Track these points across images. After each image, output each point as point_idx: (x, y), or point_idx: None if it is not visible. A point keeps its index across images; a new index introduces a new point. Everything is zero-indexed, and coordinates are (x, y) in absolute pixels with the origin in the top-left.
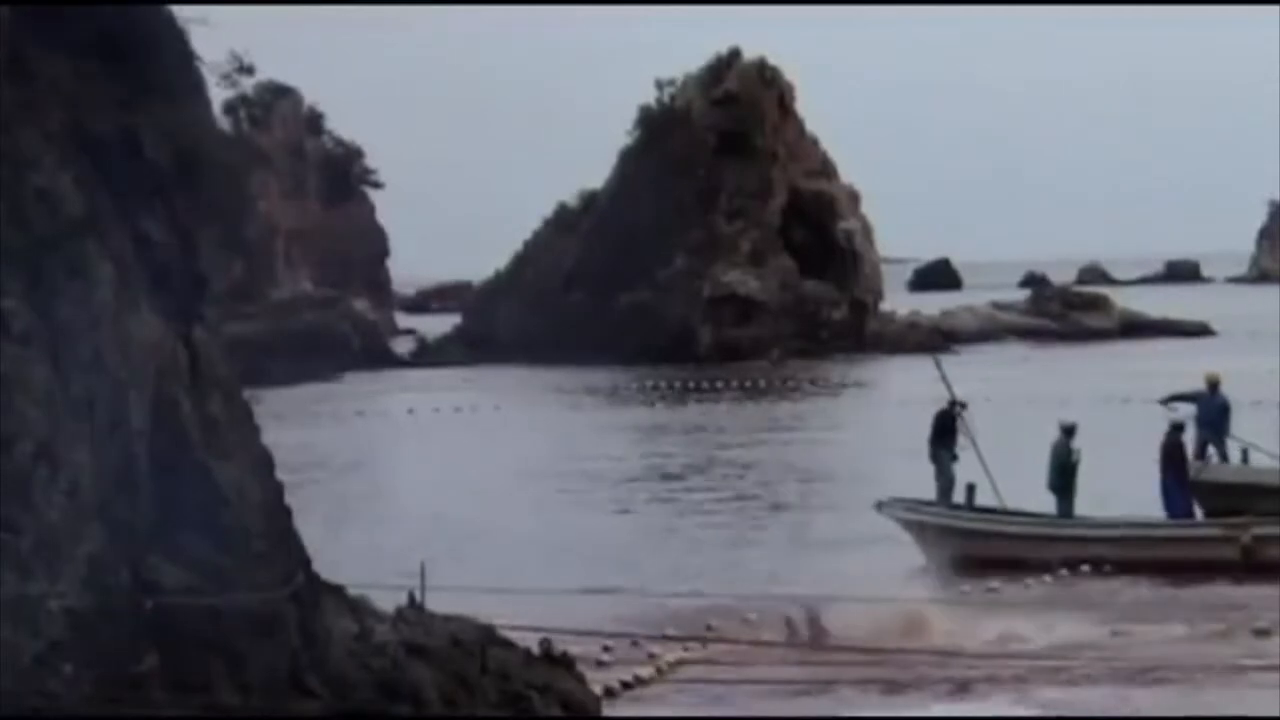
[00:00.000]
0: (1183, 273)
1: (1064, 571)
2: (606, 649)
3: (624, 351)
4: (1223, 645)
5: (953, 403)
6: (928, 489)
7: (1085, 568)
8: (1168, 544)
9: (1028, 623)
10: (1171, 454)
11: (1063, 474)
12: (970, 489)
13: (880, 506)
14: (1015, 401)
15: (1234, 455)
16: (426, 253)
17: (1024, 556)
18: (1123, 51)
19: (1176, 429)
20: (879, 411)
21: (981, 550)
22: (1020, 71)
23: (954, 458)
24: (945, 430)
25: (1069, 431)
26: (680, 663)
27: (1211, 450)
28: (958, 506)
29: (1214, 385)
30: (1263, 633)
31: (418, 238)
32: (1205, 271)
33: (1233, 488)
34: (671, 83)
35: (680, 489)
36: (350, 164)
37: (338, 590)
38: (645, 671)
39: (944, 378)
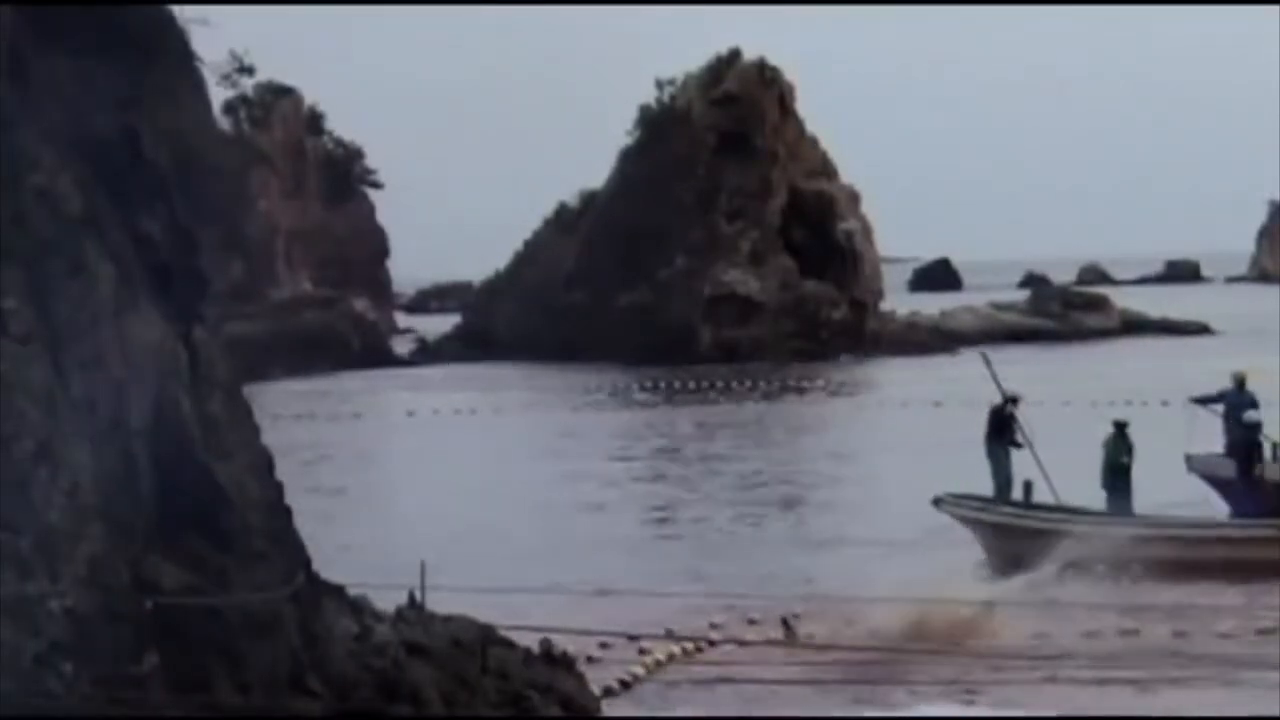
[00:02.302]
0: (1183, 273)
1: (1068, 571)
2: (604, 645)
3: (624, 351)
4: (1227, 645)
5: (1007, 398)
6: (931, 487)
7: (1101, 567)
8: (1223, 544)
9: (1030, 622)
10: (1240, 453)
11: (1115, 472)
12: (1027, 486)
13: (938, 503)
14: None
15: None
16: (426, 253)
17: (1080, 555)
18: (1124, 52)
19: (1250, 428)
20: (880, 411)
21: (1037, 547)
22: (1021, 72)
23: (1015, 447)
24: (1000, 427)
25: (1122, 428)
26: (674, 660)
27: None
28: (1015, 503)
29: (1241, 383)
30: (1266, 632)
31: (418, 238)
32: (1205, 271)
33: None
34: (671, 83)
35: (680, 489)
36: (350, 164)
37: (338, 590)
38: (638, 669)
39: (993, 375)
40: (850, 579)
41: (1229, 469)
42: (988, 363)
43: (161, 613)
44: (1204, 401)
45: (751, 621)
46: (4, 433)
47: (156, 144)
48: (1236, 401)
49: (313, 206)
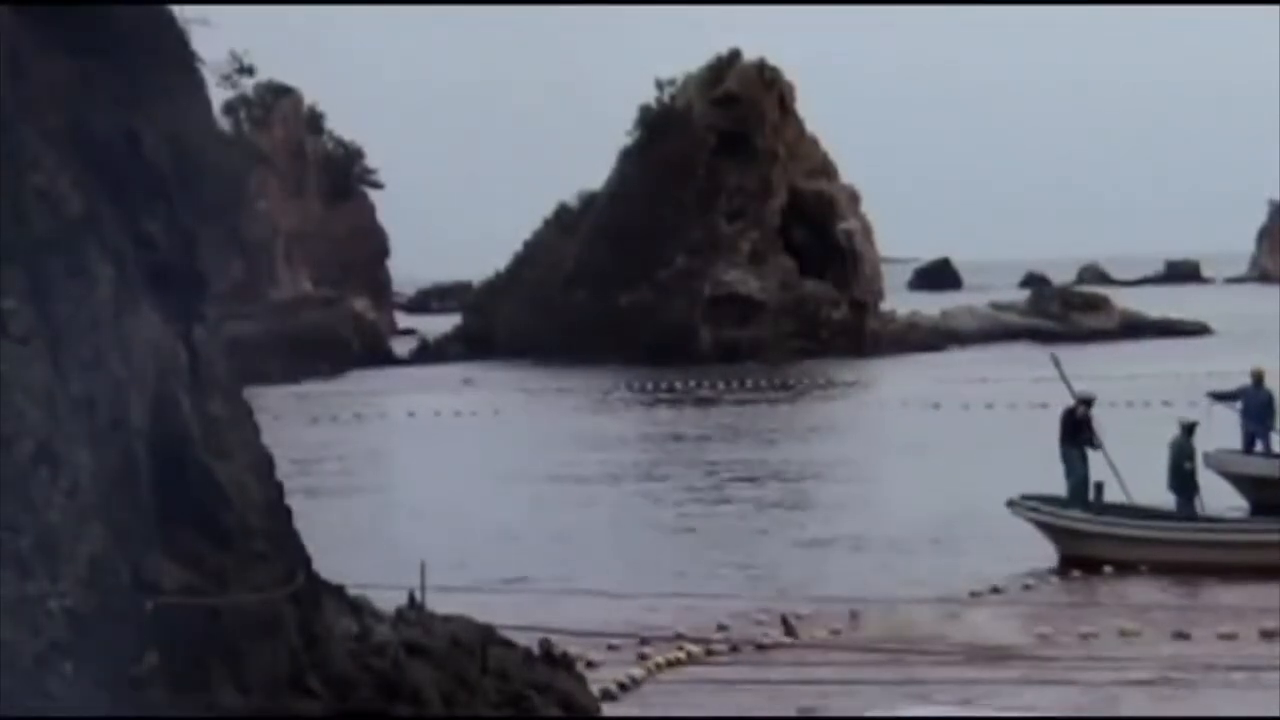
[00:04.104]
0: (1183, 273)
1: (1077, 572)
2: (612, 647)
3: (624, 351)
4: (1230, 646)
5: (1081, 400)
6: (931, 487)
7: (1144, 568)
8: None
9: (1035, 623)
10: None
11: (1179, 474)
12: (1099, 487)
13: (1011, 505)
14: (1019, 403)
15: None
16: (426, 253)
17: (1144, 559)
18: (1124, 52)
19: None
20: (880, 411)
21: (1102, 551)
22: (1021, 71)
23: (1093, 449)
24: (1072, 428)
25: (1189, 430)
26: (677, 662)
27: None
28: (1089, 506)
29: (1259, 379)
30: (1270, 634)
31: (418, 238)
32: (1205, 271)
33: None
34: (671, 83)
35: (680, 489)
36: (350, 164)
37: (338, 590)
38: (640, 670)
39: (1063, 376)
40: (852, 579)
41: (1255, 466)
42: (1057, 364)
43: (161, 613)
44: (1222, 398)
45: (758, 623)
46: (4, 433)
47: (156, 144)
48: (1254, 398)
49: (313, 206)
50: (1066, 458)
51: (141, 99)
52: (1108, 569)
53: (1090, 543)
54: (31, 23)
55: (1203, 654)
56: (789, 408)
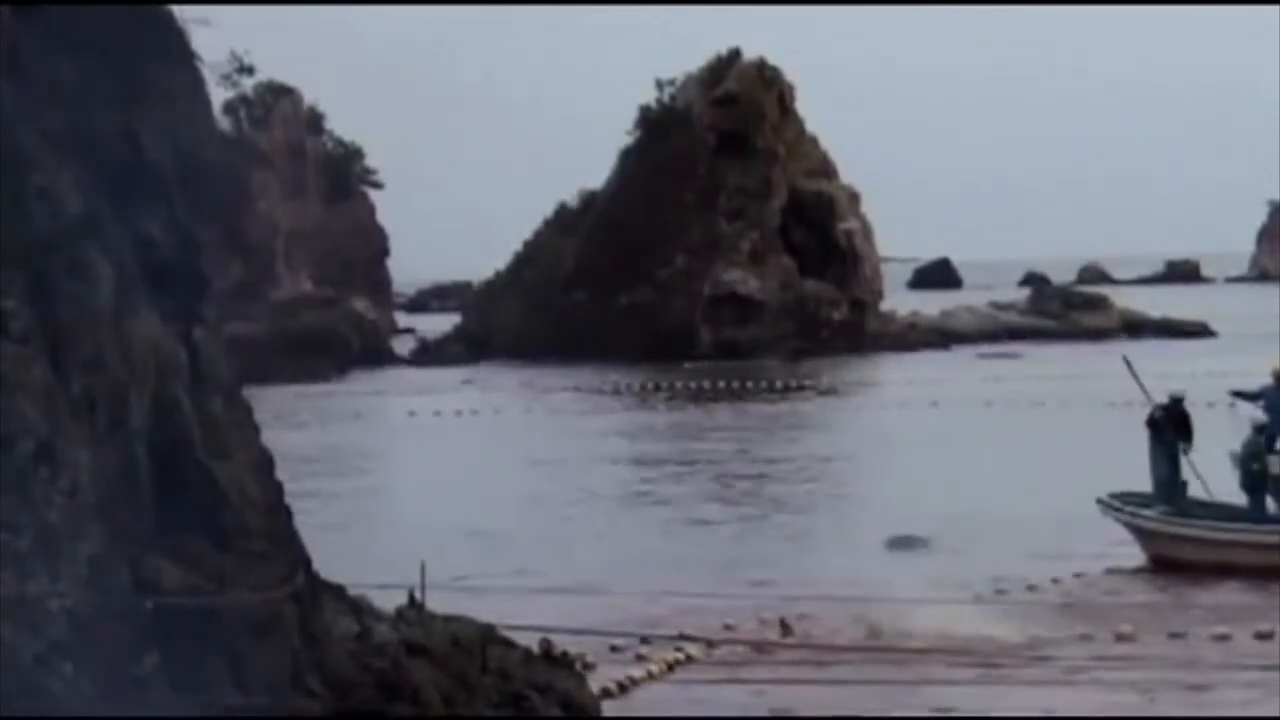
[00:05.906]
0: (1183, 273)
1: (1080, 573)
2: (613, 648)
3: (624, 351)
4: (1226, 646)
5: (1171, 399)
6: (931, 488)
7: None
8: None
9: (1034, 625)
10: None
11: (1249, 474)
12: (1182, 487)
13: (1100, 504)
14: (1019, 401)
15: None
16: (426, 253)
17: (1222, 561)
18: (1124, 52)
19: None
20: (880, 411)
21: (1185, 553)
22: (1020, 72)
23: (1184, 451)
24: (1156, 428)
25: (1260, 430)
26: (675, 663)
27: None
28: (1173, 507)
29: (1279, 377)
30: (1265, 636)
31: (418, 238)
32: (1205, 271)
33: None
34: (671, 83)
35: (680, 489)
36: (350, 164)
37: (338, 590)
38: (638, 672)
39: (1136, 378)
40: (852, 580)
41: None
42: (1129, 366)
43: (161, 613)
44: (1243, 396)
45: (760, 623)
46: (4, 433)
47: (156, 144)
48: (1276, 397)
49: (313, 206)
50: (1151, 457)
51: (141, 99)
52: (1106, 568)
53: (1172, 544)
54: (31, 23)
55: (1199, 654)
56: (789, 407)
